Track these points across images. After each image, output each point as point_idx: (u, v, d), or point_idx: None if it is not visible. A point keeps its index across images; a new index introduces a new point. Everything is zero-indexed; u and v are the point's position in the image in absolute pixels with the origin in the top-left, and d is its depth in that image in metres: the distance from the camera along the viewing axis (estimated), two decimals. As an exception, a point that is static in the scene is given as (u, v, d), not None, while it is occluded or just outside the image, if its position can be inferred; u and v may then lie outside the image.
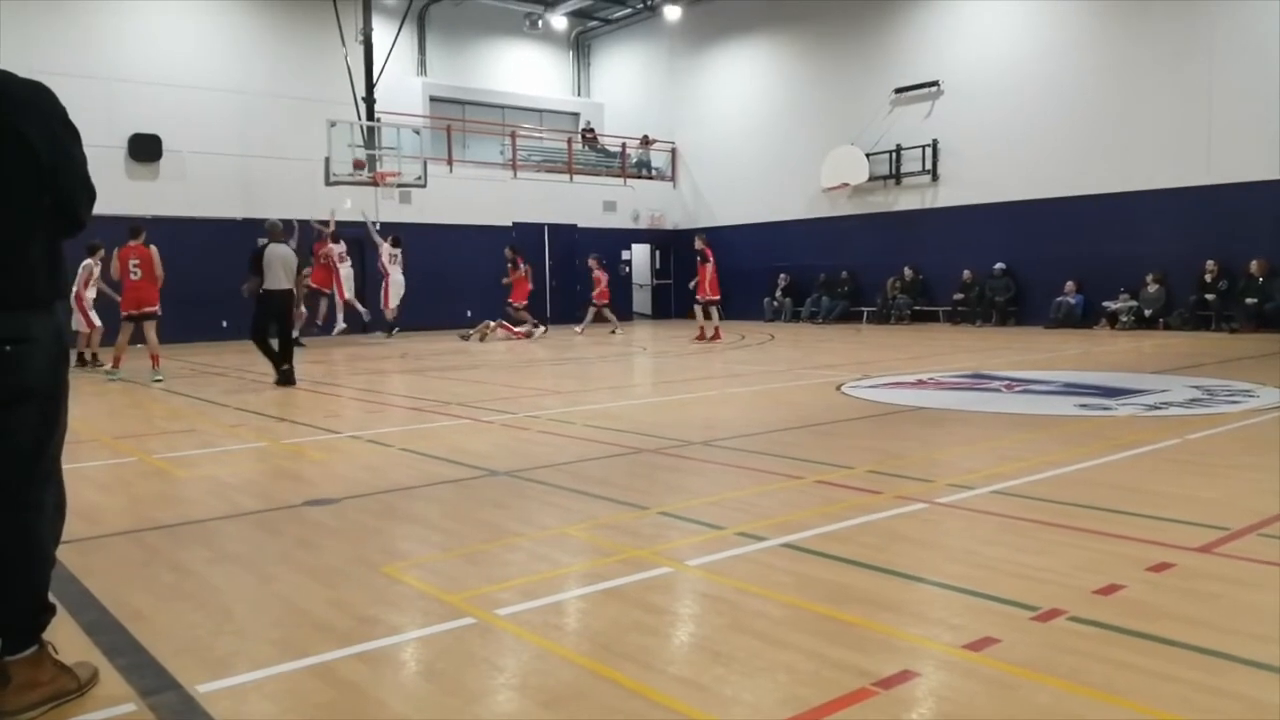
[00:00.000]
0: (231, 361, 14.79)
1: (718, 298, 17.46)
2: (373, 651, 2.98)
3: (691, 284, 17.76)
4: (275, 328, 11.07)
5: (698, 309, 17.55)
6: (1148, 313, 17.64)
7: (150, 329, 11.81)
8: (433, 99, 25.55)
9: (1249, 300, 16.25)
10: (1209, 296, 16.85)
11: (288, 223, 18.81)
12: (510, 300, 19.81)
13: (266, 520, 4.76)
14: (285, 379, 11.01)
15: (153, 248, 11.78)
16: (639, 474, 5.79)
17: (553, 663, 2.88)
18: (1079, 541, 4.01)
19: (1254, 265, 16.32)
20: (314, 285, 18.71)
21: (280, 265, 10.97)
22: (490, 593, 3.51)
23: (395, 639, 3.09)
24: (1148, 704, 2.50)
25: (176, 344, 17.72)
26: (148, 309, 11.73)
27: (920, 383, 10.19)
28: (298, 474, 5.94)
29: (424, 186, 20.66)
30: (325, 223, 19.17)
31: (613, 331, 20.47)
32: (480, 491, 5.35)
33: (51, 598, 2.76)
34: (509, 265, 19.91)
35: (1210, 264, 16.88)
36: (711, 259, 17.24)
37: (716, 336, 17.22)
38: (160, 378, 11.53)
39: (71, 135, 2.74)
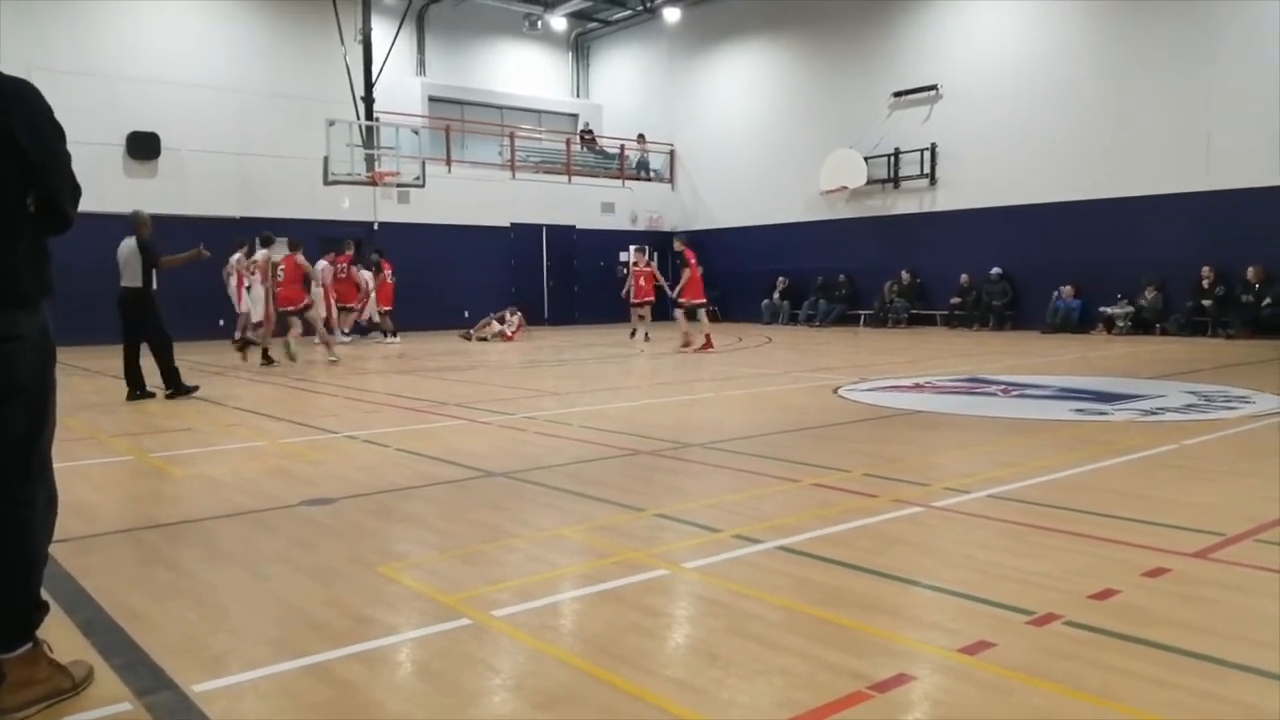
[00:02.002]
0: (229, 360, 14.76)
1: (703, 301, 16.21)
2: (369, 652, 2.98)
3: (676, 290, 16.32)
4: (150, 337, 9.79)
5: (680, 314, 16.33)
6: (1147, 309, 17.62)
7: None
8: (431, 99, 25.56)
9: (1245, 299, 16.28)
10: (1206, 302, 16.89)
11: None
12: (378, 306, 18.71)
13: (263, 520, 4.75)
14: (166, 389, 9.79)
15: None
16: (636, 476, 5.79)
17: (548, 664, 2.88)
18: (1075, 546, 4.01)
19: (1251, 271, 16.36)
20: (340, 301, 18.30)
21: (125, 260, 9.71)
22: (486, 594, 3.51)
23: (391, 639, 3.09)
24: (1143, 709, 2.50)
25: (174, 342, 17.68)
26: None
27: (917, 386, 10.19)
28: (294, 473, 5.94)
29: (422, 186, 20.67)
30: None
31: (633, 335, 18.77)
32: (477, 492, 5.34)
33: (46, 596, 2.76)
34: (373, 268, 18.78)
35: (1207, 270, 16.91)
36: (694, 261, 15.94)
37: (708, 345, 15.59)
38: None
39: (57, 133, 2.74)
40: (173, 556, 4.09)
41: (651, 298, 18.42)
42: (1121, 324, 17.83)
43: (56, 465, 2.82)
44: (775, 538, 4.18)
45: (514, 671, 2.84)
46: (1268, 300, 16.09)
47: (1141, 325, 17.71)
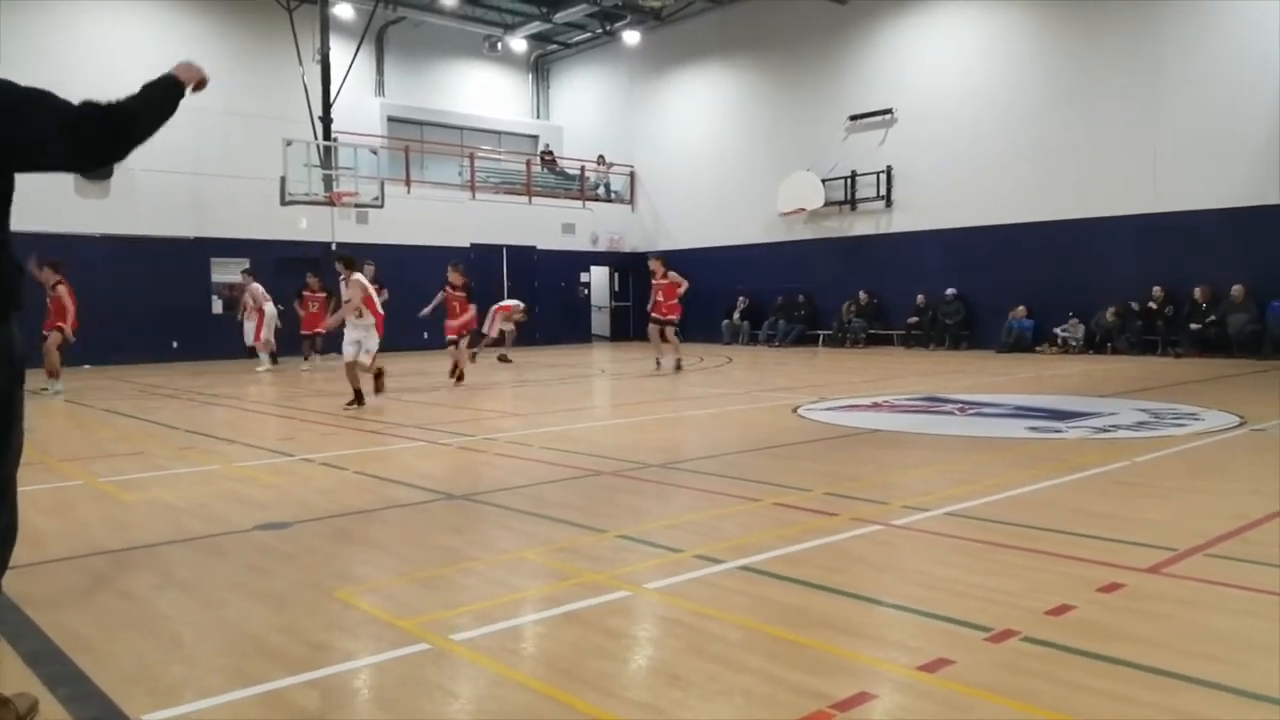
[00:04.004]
0: (182, 383, 14.53)
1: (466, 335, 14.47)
2: (325, 679, 2.93)
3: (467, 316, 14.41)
4: None
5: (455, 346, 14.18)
6: (1101, 329, 17.96)
7: None
8: (391, 119, 25.47)
9: (1193, 326, 16.68)
10: (1156, 322, 17.26)
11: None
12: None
13: (216, 545, 4.66)
14: None
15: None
16: (597, 497, 5.77)
17: (509, 688, 2.85)
18: (1030, 563, 4.06)
19: (1198, 291, 16.76)
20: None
21: None
22: (446, 618, 3.47)
23: (348, 665, 3.04)
24: (1099, 723, 2.53)
25: (126, 365, 17.38)
26: None
27: (875, 405, 10.29)
28: (249, 497, 5.84)
29: (381, 207, 20.56)
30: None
31: (659, 364, 15.68)
32: (436, 515, 5.29)
33: (-9, 626, 2.68)
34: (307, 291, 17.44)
35: (1156, 290, 17.30)
36: (465, 297, 14.30)
37: (461, 378, 13.89)
38: None
39: (27, 98, 2.60)
40: (123, 584, 4.00)
41: (675, 315, 15.57)
42: (1074, 343, 18.17)
43: (2, 491, 2.75)
44: (736, 557, 4.19)
45: (474, 696, 2.81)
46: (1213, 319, 16.46)
47: (1093, 344, 18.06)
